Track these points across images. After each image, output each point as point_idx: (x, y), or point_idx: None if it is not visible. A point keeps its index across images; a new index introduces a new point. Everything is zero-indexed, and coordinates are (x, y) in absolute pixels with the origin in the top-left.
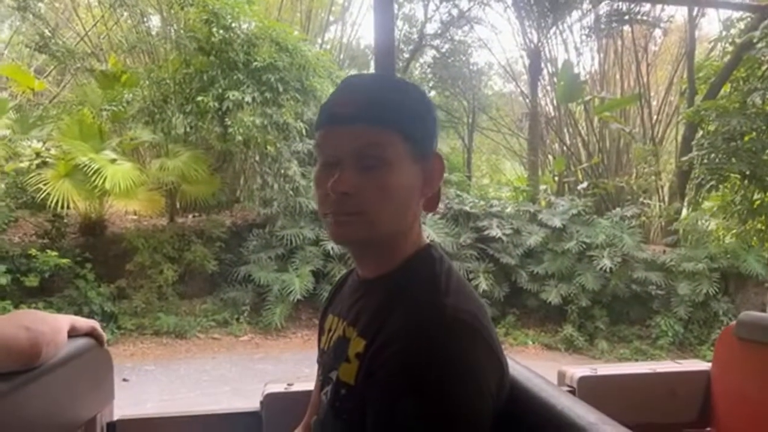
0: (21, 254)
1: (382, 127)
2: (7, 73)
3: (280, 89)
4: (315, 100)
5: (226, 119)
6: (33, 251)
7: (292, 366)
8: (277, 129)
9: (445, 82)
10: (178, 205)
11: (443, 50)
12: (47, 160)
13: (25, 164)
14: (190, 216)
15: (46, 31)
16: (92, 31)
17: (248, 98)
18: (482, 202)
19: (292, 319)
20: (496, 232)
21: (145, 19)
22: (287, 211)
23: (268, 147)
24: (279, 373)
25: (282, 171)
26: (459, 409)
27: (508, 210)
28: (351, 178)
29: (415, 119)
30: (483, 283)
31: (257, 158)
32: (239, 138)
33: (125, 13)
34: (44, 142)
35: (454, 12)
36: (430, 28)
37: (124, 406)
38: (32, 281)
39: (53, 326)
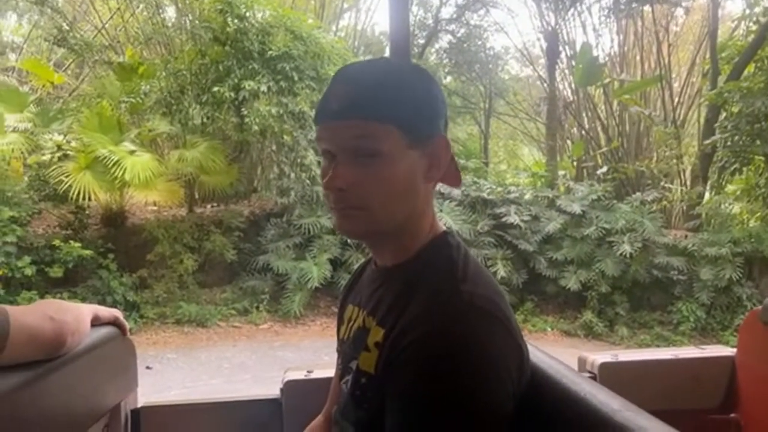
0: (45, 245)
1: (375, 119)
2: (27, 67)
3: (296, 78)
4: None
5: (243, 109)
6: (57, 242)
7: (312, 354)
8: (293, 118)
9: (461, 68)
10: (196, 196)
11: (459, 35)
12: (68, 152)
13: (46, 157)
14: (209, 206)
15: (64, 24)
16: (109, 24)
17: (264, 88)
18: (500, 189)
19: (311, 307)
20: (514, 218)
21: (160, 11)
22: (304, 200)
23: (285, 136)
24: (299, 360)
25: (299, 160)
26: (477, 395)
27: (527, 196)
28: (347, 173)
29: (410, 105)
30: (501, 270)
31: (274, 148)
32: (256, 128)
33: (141, 5)
34: (65, 135)
35: None
36: (446, 13)
37: (148, 393)
38: (56, 272)
39: (77, 316)
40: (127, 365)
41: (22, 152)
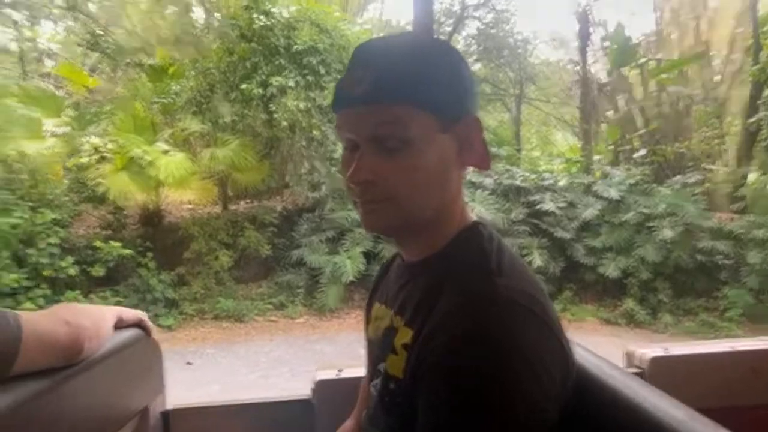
0: (87, 246)
1: (399, 104)
2: (62, 72)
3: (322, 71)
4: None
5: (271, 105)
6: (98, 243)
7: (347, 346)
8: (321, 112)
9: (490, 54)
10: (230, 193)
11: (486, 21)
12: (105, 154)
13: (85, 159)
14: (242, 203)
15: (97, 29)
16: (139, 26)
17: (291, 83)
18: (533, 176)
19: (346, 300)
20: (549, 206)
21: (188, 11)
22: (335, 193)
23: (314, 131)
24: (335, 353)
25: (328, 154)
26: (515, 400)
27: (561, 183)
28: (371, 164)
29: (437, 85)
30: (537, 259)
31: (303, 142)
32: (284, 124)
33: (170, 7)
34: (101, 138)
35: None
36: None
37: (191, 387)
38: (98, 271)
39: (95, 320)
40: (154, 367)
41: (61, 156)
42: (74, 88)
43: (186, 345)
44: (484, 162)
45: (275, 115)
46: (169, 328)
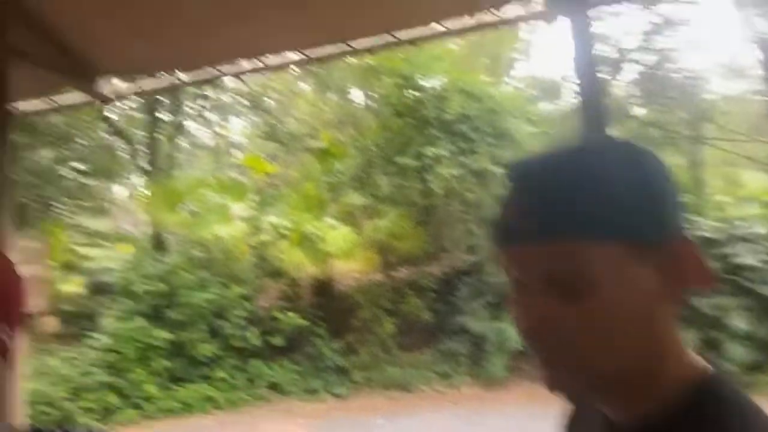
0: (268, 317)
1: (575, 237)
2: (248, 163)
3: (474, 137)
4: (511, 142)
5: (426, 175)
6: (277, 314)
7: (520, 422)
8: (475, 176)
9: (655, 96)
10: (390, 261)
11: (648, 63)
12: (282, 232)
13: (265, 238)
14: (402, 269)
15: (274, 121)
16: (307, 114)
17: (444, 152)
18: (723, 224)
19: (513, 370)
20: (748, 258)
21: (347, 94)
22: (493, 256)
23: (468, 195)
24: (504, 429)
25: (484, 217)
26: None
27: (761, 230)
28: (543, 310)
29: (620, 207)
30: (739, 323)
31: (459, 207)
32: (440, 192)
33: (330, 94)
34: (278, 217)
35: (657, 19)
36: (631, 42)
37: None
38: (278, 341)
39: None
40: None
41: (246, 235)
42: (256, 175)
43: (358, 414)
44: (706, 281)
45: (430, 184)
46: (341, 396)
